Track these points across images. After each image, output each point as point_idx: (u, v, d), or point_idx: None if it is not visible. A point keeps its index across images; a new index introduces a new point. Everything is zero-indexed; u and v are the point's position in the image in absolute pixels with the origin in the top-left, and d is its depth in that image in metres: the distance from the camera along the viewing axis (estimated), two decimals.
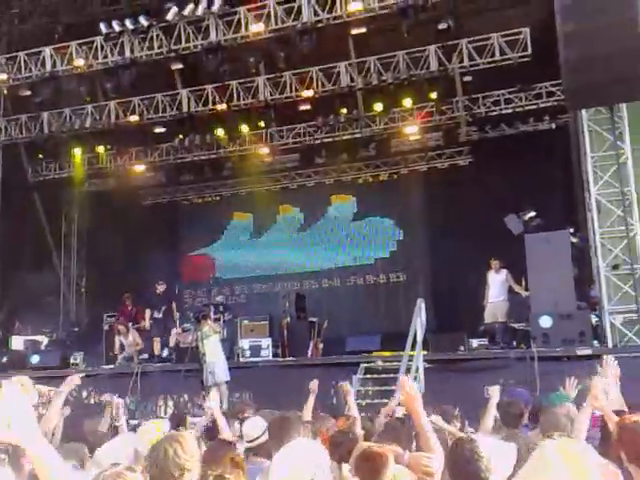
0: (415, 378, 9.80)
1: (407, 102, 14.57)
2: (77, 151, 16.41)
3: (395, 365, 10.26)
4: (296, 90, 14.09)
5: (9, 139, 15.70)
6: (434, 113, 15.06)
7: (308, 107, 14.77)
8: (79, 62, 13.61)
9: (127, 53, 13.33)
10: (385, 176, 17.31)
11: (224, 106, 14.44)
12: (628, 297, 10.29)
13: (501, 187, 14.12)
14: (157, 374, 12.19)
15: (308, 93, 13.99)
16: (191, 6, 12.71)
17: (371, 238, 17.17)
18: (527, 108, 14.54)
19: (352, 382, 10.19)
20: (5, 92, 14.92)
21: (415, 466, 3.23)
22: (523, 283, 11.68)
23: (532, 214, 11.86)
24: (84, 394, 11.69)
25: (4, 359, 14.21)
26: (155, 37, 13.23)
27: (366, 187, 17.42)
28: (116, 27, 13.21)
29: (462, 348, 11.26)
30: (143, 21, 13.11)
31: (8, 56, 14.26)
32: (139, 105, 14.88)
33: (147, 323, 13.64)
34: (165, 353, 13.30)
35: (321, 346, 13.20)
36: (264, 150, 16.54)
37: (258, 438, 4.74)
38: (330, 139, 15.89)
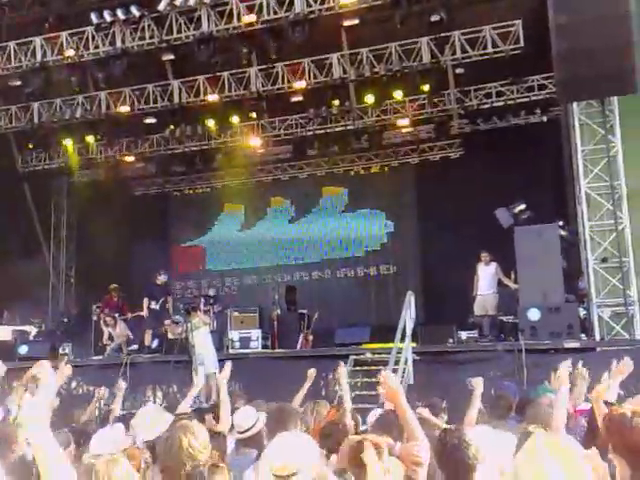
0: (404, 370, 9.84)
1: (399, 94, 14.55)
2: (67, 141, 16.31)
3: (384, 357, 10.29)
4: (288, 81, 14.04)
5: None
6: (426, 105, 15.06)
7: (300, 98, 14.74)
8: (70, 52, 13.50)
9: (118, 43, 13.23)
10: (377, 168, 17.33)
11: (215, 97, 14.39)
12: (616, 290, 10.34)
13: (492, 180, 14.16)
14: (146, 365, 12.17)
15: (300, 84, 13.95)
16: None
17: (362, 230, 17.19)
18: (519, 101, 14.56)
19: None
20: None
21: (405, 456, 3.24)
22: (512, 276, 11.73)
23: (522, 207, 11.89)
24: (73, 384, 11.67)
25: None
26: (146, 27, 13.13)
27: (358, 179, 17.43)
28: (107, 17, 13.10)
29: (451, 340, 11.29)
30: (134, 11, 13.00)
31: None
32: (130, 96, 14.81)
33: (145, 312, 13.49)
34: (155, 344, 13.27)
35: (311, 338, 13.23)
36: (256, 141, 16.51)
37: (249, 429, 4.74)
38: (322, 131, 15.86)
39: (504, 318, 11.79)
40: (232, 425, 4.99)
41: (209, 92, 14.36)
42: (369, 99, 14.62)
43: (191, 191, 18.68)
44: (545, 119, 14.67)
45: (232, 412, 5.32)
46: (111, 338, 13.87)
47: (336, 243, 17.32)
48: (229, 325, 13.46)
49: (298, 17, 12.21)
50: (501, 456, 3.07)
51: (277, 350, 12.91)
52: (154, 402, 11.21)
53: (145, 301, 13.42)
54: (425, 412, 5.34)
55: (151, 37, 13.17)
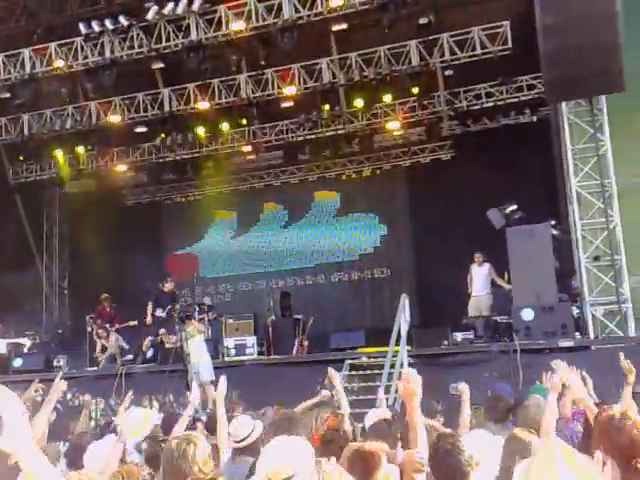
0: (400, 373, 9.83)
1: (389, 97, 14.60)
2: (58, 152, 16.27)
3: (380, 361, 10.28)
4: (278, 87, 14.07)
5: None
6: (416, 108, 15.12)
7: (290, 104, 14.75)
8: (59, 63, 13.49)
9: (107, 53, 13.25)
10: (368, 172, 17.33)
11: (206, 104, 14.40)
12: (609, 288, 10.38)
13: (484, 181, 14.17)
14: (142, 375, 12.13)
15: (290, 90, 13.98)
16: (171, 5, 12.63)
17: (355, 234, 17.19)
18: (508, 101, 14.62)
19: None
20: None
21: (409, 464, 3.23)
22: (506, 276, 11.76)
23: (514, 207, 11.92)
24: (68, 396, 11.61)
25: None
26: (135, 37, 13.15)
27: (349, 183, 17.44)
28: (96, 27, 13.11)
29: (446, 342, 11.30)
30: (123, 21, 13.01)
31: None
32: (120, 105, 14.80)
33: (149, 318, 13.31)
34: (150, 354, 13.20)
35: (306, 343, 13.20)
36: (247, 148, 16.52)
37: (245, 439, 4.72)
38: (313, 136, 15.88)
39: (498, 318, 11.80)
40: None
41: (199, 100, 14.38)
42: (359, 103, 14.65)
43: (183, 199, 18.65)
44: (535, 119, 14.75)
45: (229, 420, 5.32)
46: (104, 350, 13.80)
47: (329, 248, 17.31)
48: (224, 332, 13.42)
49: (287, 23, 12.25)
50: (491, 460, 3.07)
51: (273, 356, 12.88)
52: None
53: (149, 307, 13.22)
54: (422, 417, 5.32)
55: (140, 46, 13.17)
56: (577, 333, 10.59)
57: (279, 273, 17.51)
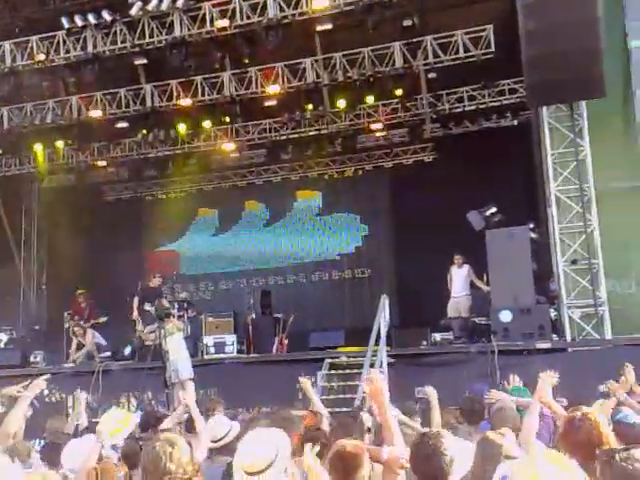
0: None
1: (372, 99, 14.65)
2: (38, 146, 16.11)
3: (359, 360, 10.32)
4: (262, 86, 14.04)
5: None
6: (399, 109, 15.18)
7: (274, 103, 14.74)
8: (40, 57, 13.35)
9: (90, 48, 13.10)
10: (351, 172, 17.38)
11: (188, 101, 14.34)
12: (586, 291, 10.49)
13: (464, 183, 14.28)
14: (119, 372, 12.09)
15: (274, 89, 13.96)
16: (155, 1, 12.55)
17: (336, 234, 17.23)
18: (490, 105, 14.73)
19: (317, 378, 10.26)
20: None
21: (393, 461, 3.25)
22: (485, 278, 11.85)
23: (493, 210, 12.03)
24: (45, 392, 11.51)
25: None
26: (118, 32, 13.01)
27: (332, 183, 17.48)
28: (78, 22, 12.97)
29: (425, 343, 11.37)
30: (106, 16, 12.88)
31: None
32: (102, 100, 14.67)
33: (135, 313, 13.25)
34: (127, 351, 13.13)
35: (286, 342, 13.21)
36: (229, 146, 16.48)
37: (222, 438, 4.73)
38: (296, 135, 15.88)
39: (477, 320, 11.90)
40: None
41: (182, 96, 14.31)
42: (342, 103, 14.68)
43: (164, 196, 18.55)
44: (516, 123, 14.88)
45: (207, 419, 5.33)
46: (79, 347, 13.69)
47: (311, 247, 17.34)
48: (204, 330, 13.39)
49: (271, 22, 12.21)
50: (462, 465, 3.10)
51: (252, 355, 12.87)
52: (129, 409, 11.12)
53: (135, 301, 13.18)
54: (400, 414, 5.37)
55: (123, 42, 13.06)
56: (554, 335, 10.71)
57: (260, 272, 17.49)
